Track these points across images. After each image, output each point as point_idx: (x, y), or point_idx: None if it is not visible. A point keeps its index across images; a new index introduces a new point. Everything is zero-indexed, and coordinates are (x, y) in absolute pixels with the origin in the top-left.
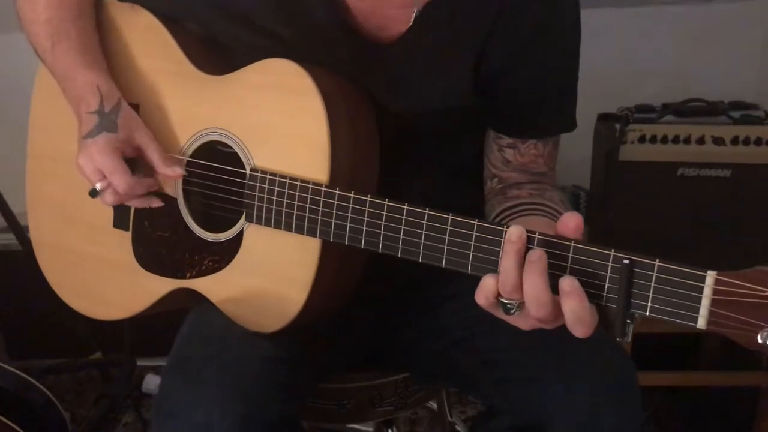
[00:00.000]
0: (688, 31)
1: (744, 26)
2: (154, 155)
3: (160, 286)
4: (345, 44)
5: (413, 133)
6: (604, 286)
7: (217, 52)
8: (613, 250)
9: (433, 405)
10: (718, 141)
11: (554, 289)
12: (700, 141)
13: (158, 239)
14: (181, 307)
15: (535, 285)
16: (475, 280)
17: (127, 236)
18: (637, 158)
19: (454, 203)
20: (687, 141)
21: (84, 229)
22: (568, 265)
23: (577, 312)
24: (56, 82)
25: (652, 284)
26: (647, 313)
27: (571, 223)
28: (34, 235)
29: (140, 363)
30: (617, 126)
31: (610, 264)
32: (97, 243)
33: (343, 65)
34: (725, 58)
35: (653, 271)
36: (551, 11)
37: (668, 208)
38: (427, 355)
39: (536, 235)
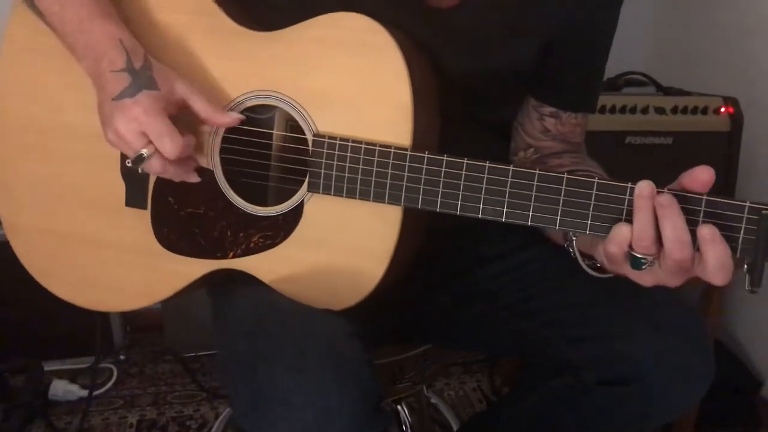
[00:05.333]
0: None
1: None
2: (199, 104)
3: (193, 268)
4: (410, 6)
5: (463, 94)
6: (739, 237)
7: (247, 7)
8: (748, 202)
9: None
10: (660, 111)
11: None
12: (645, 111)
13: (189, 217)
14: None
15: (676, 226)
16: (513, 241)
17: (143, 215)
18: (590, 128)
19: None
20: (633, 111)
21: (82, 210)
22: (700, 219)
23: (721, 258)
24: (60, 36)
25: None
26: None
27: (703, 176)
28: (7, 218)
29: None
30: None
31: (744, 215)
32: (102, 224)
33: (409, 28)
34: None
35: None
36: None
37: (617, 175)
38: (467, 321)
39: (665, 191)
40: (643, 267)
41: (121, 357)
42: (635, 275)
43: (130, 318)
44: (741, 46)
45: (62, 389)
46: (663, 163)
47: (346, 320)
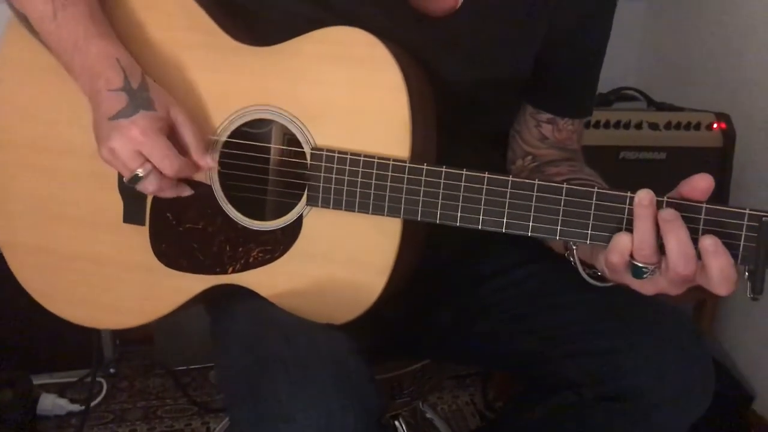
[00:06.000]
0: None
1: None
2: (190, 136)
3: (192, 284)
4: (401, 13)
5: (460, 104)
6: (739, 245)
7: (241, 21)
8: (748, 209)
9: None
10: (654, 126)
11: None
12: (638, 126)
13: (188, 232)
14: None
15: (680, 240)
16: (513, 257)
17: (142, 231)
18: (584, 143)
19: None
20: (627, 126)
21: (79, 227)
22: (700, 227)
23: (725, 269)
24: (56, 55)
25: None
26: None
27: (702, 183)
28: (2, 236)
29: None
30: None
31: (745, 223)
32: (100, 242)
33: (400, 36)
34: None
35: None
36: None
37: None
38: (467, 337)
39: (665, 199)
40: (644, 276)
41: (111, 371)
42: (636, 284)
43: (120, 331)
44: (732, 62)
45: (51, 403)
46: (657, 177)
47: (347, 335)
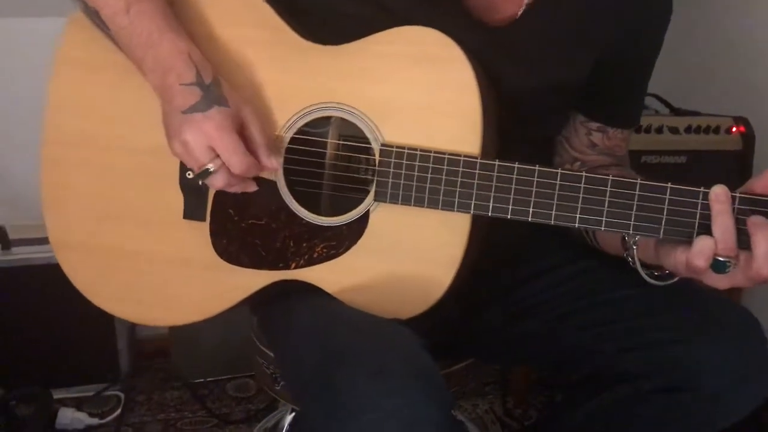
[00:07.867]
0: None
1: None
2: (258, 136)
3: (253, 280)
4: (459, 20)
5: (513, 108)
6: None
7: (310, 22)
8: None
9: None
10: (674, 130)
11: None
12: (659, 130)
13: (250, 228)
14: None
15: None
16: (560, 254)
17: (201, 228)
18: None
19: None
20: (648, 131)
21: (136, 224)
22: None
23: None
24: (126, 50)
25: None
26: None
27: None
28: (55, 235)
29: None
30: None
31: None
32: (158, 238)
33: (466, 45)
34: None
35: None
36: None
37: None
38: (517, 337)
39: (737, 194)
40: (728, 270)
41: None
42: (713, 279)
43: (137, 344)
44: (749, 65)
45: (70, 418)
46: (677, 182)
47: (414, 331)
